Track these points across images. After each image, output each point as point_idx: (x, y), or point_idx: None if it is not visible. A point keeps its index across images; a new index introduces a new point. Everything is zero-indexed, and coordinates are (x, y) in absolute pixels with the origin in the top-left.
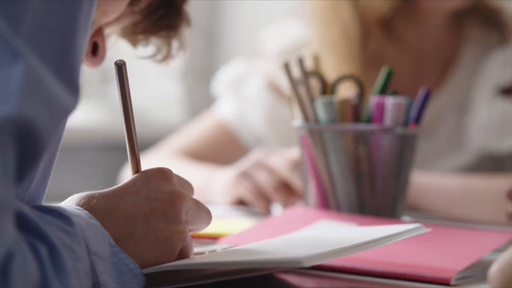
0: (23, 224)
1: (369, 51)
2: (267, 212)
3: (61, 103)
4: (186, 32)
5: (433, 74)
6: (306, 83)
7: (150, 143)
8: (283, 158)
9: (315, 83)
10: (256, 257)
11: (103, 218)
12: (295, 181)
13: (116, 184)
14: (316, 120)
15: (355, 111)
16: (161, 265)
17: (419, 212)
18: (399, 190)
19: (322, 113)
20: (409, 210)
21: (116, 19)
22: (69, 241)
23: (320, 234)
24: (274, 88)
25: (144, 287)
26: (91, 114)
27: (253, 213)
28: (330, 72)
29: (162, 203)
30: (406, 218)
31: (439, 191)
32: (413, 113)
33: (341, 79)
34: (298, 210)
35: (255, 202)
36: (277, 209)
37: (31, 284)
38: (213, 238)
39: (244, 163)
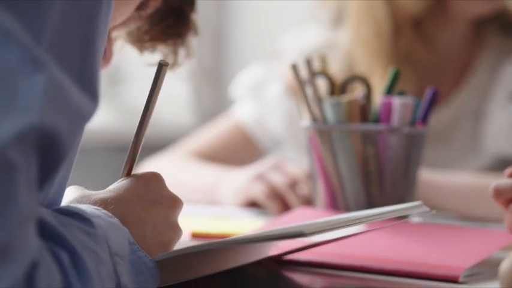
0: (44, 230)
1: (399, 49)
2: (279, 214)
3: (81, 110)
4: (193, 41)
5: (451, 78)
6: (314, 83)
7: (158, 145)
8: (299, 165)
9: (322, 84)
10: (259, 233)
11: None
12: (309, 186)
13: None
14: (325, 120)
15: (362, 111)
16: (174, 250)
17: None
18: (407, 189)
19: (330, 113)
20: None
21: (123, 23)
22: (92, 243)
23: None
24: (293, 92)
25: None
26: (99, 115)
27: (263, 214)
28: (362, 68)
29: (164, 207)
30: (416, 218)
31: (452, 189)
32: (421, 112)
33: (349, 80)
34: (306, 210)
35: (268, 204)
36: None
37: None
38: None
39: (259, 166)
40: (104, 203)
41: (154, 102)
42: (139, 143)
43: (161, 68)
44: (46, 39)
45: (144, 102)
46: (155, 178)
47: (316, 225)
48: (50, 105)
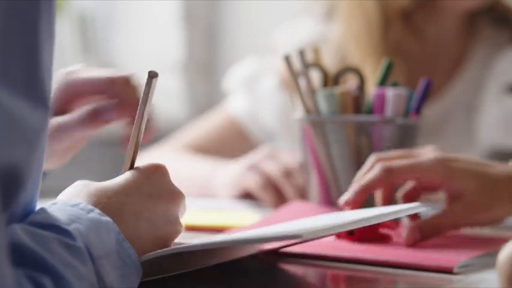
0: (24, 256)
1: (390, 42)
2: (273, 206)
3: (34, 127)
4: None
5: (443, 71)
6: (307, 75)
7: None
8: (292, 155)
9: (316, 76)
10: (256, 234)
11: (113, 216)
12: (303, 176)
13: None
14: (318, 112)
15: (356, 102)
16: (162, 250)
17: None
18: None
19: (323, 105)
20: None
21: None
22: (71, 259)
23: (319, 218)
24: (287, 86)
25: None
26: None
27: (258, 206)
28: (355, 61)
29: (164, 201)
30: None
31: None
32: (414, 103)
33: (342, 71)
34: (301, 204)
35: (262, 195)
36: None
37: None
38: (218, 231)
39: (253, 156)
40: (99, 193)
41: (147, 109)
42: (137, 143)
43: (151, 80)
44: None
45: (138, 110)
46: (159, 171)
47: (315, 231)
48: (3, 141)
